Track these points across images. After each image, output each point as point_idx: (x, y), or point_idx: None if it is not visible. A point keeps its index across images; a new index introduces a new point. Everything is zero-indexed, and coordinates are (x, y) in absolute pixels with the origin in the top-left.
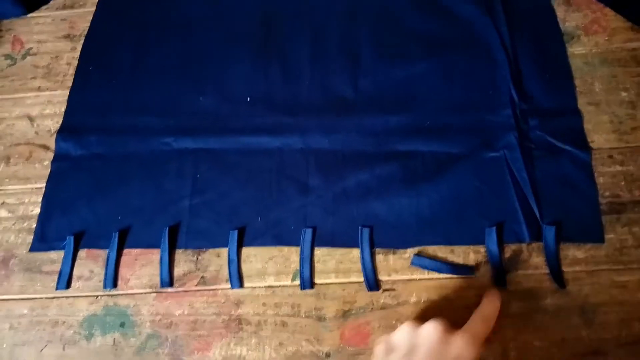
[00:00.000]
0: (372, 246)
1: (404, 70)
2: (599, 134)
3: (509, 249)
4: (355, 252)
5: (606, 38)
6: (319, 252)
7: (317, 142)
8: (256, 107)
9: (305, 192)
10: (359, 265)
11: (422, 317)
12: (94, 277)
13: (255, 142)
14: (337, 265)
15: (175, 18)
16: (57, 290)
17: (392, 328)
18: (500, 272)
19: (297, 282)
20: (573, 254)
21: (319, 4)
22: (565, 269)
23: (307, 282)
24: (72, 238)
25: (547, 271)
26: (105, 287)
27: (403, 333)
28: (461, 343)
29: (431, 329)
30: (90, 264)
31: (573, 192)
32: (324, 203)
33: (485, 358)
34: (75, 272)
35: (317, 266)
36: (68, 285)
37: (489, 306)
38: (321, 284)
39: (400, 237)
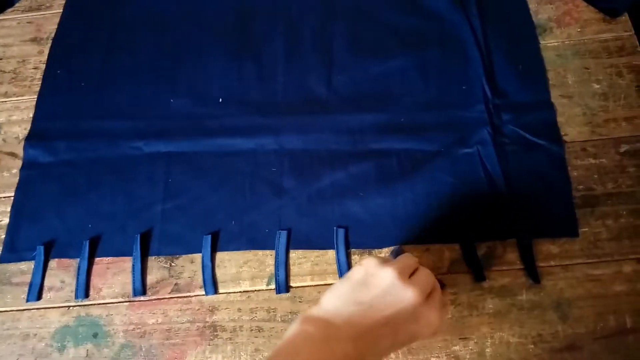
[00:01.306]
0: (348, 247)
1: (378, 68)
2: (572, 127)
3: (484, 246)
4: (331, 254)
5: (578, 30)
6: (294, 254)
7: (291, 142)
8: (229, 108)
9: (280, 194)
10: (335, 267)
11: None
12: (65, 288)
13: (228, 144)
14: (313, 268)
15: (145, 18)
16: (28, 302)
17: None
18: (478, 268)
19: (273, 286)
20: (547, 248)
21: (294, 2)
22: (539, 264)
23: (283, 286)
24: (42, 248)
25: (522, 267)
26: (76, 297)
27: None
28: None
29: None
30: (61, 274)
31: (547, 187)
32: (299, 204)
33: (462, 356)
34: (46, 282)
35: (293, 269)
36: (39, 297)
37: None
38: (297, 287)
39: (375, 237)
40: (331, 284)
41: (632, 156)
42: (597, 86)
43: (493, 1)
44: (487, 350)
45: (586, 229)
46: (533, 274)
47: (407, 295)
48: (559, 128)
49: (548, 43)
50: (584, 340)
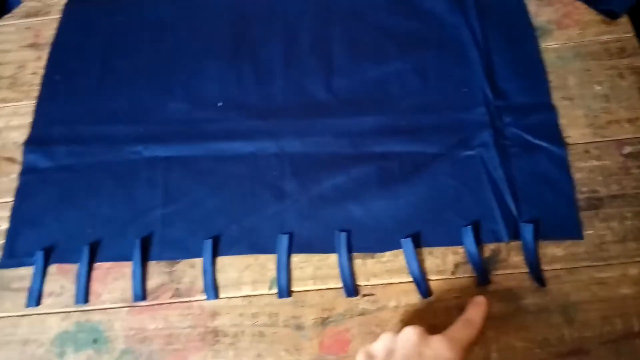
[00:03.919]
0: (350, 251)
1: (378, 70)
2: (575, 129)
3: (488, 249)
4: (333, 258)
5: (578, 32)
6: (296, 258)
7: (291, 145)
8: (228, 111)
9: (281, 198)
10: (337, 271)
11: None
12: (65, 293)
13: (228, 148)
14: (315, 272)
15: (143, 23)
16: (27, 308)
17: (372, 334)
18: (482, 271)
19: (274, 290)
20: (552, 251)
21: (291, 6)
22: (544, 267)
23: (284, 291)
24: (41, 253)
25: (527, 270)
26: (76, 302)
27: (382, 341)
28: (439, 344)
29: (408, 333)
30: (61, 280)
31: (550, 189)
32: (300, 208)
33: None
34: (46, 288)
35: (295, 273)
36: (38, 302)
37: (473, 311)
38: (299, 292)
39: (378, 240)
40: (333, 288)
41: (636, 158)
42: (599, 88)
43: (492, 3)
44: (493, 354)
45: (591, 232)
46: (538, 277)
47: None
48: (561, 130)
49: (548, 45)
50: (591, 344)
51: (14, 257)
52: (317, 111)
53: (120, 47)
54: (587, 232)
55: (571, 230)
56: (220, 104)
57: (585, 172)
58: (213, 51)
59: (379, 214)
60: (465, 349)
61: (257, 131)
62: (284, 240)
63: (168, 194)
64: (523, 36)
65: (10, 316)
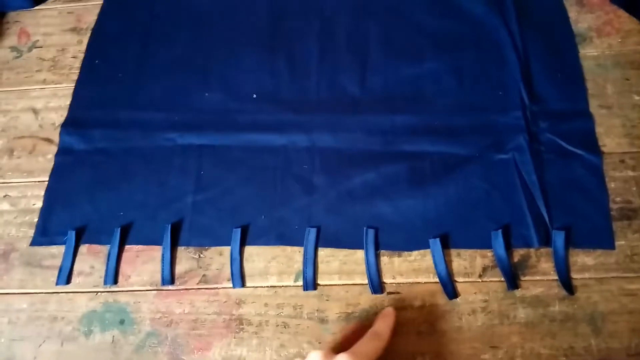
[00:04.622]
0: (377, 248)
1: (413, 69)
2: (611, 138)
3: (517, 254)
4: (360, 254)
5: (619, 40)
6: (322, 252)
7: (323, 140)
8: (262, 103)
9: (310, 191)
10: (363, 267)
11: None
12: (95, 273)
13: (260, 139)
14: (341, 267)
15: (182, 13)
16: (57, 286)
17: (395, 333)
18: (510, 276)
19: (300, 282)
20: (582, 260)
21: (328, 1)
22: (574, 275)
23: (310, 283)
24: (73, 233)
25: (556, 277)
26: (105, 283)
27: None
28: None
29: (313, 357)
30: (91, 260)
31: (583, 197)
32: (329, 202)
33: None
34: (76, 267)
35: (321, 267)
36: (68, 281)
37: (381, 323)
38: (324, 285)
39: (405, 238)
40: (359, 284)
41: None
42: (638, 97)
43: (532, 8)
44: None
45: (623, 242)
46: (567, 285)
47: None
48: (597, 138)
49: (587, 52)
50: (618, 356)
51: (46, 235)
52: (350, 107)
53: (159, 35)
54: (619, 242)
55: (603, 239)
56: (254, 95)
57: (619, 181)
58: (250, 44)
59: (408, 212)
60: None
61: (290, 124)
62: (311, 233)
63: (200, 181)
64: (562, 42)
65: (40, 292)
